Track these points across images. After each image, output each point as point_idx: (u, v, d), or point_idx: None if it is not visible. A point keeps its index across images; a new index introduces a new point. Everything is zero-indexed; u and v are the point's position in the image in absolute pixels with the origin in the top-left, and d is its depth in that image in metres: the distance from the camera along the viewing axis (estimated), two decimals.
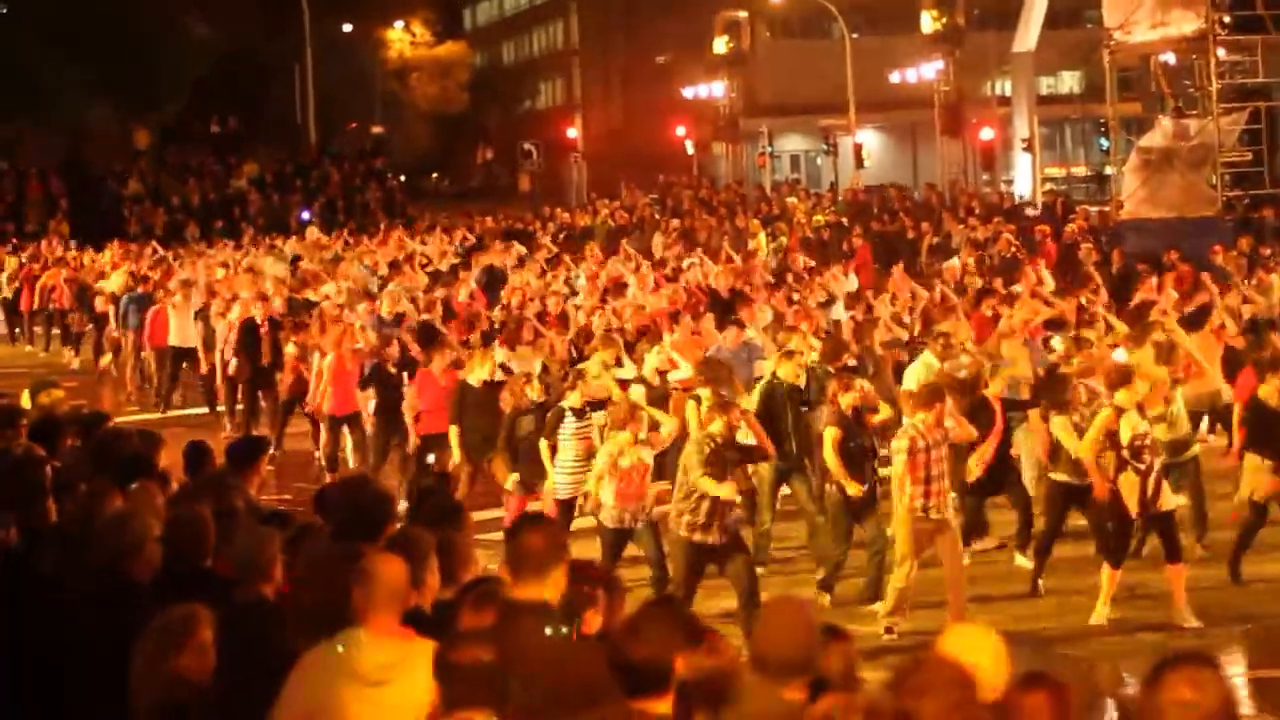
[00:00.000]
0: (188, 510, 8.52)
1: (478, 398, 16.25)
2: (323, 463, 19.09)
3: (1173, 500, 13.39)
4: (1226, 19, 33.26)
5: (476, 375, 16.41)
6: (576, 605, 6.70)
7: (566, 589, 6.70)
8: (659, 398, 16.21)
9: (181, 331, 23.94)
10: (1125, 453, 12.97)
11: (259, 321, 21.71)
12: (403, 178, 61.32)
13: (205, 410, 23.60)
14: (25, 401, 13.14)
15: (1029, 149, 41.34)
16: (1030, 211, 36.83)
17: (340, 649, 6.20)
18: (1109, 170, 41.40)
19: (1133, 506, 13.01)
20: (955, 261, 26.67)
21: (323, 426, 19.25)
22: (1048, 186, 44.98)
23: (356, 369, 18.42)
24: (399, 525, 8.18)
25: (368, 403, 18.36)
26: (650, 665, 5.47)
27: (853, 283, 25.33)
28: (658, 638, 5.51)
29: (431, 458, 16.79)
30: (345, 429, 18.71)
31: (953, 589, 12.93)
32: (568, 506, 14.41)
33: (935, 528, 12.89)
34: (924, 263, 31.22)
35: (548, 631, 6.51)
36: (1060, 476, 14.09)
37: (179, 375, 24.39)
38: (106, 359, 27.86)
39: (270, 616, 7.18)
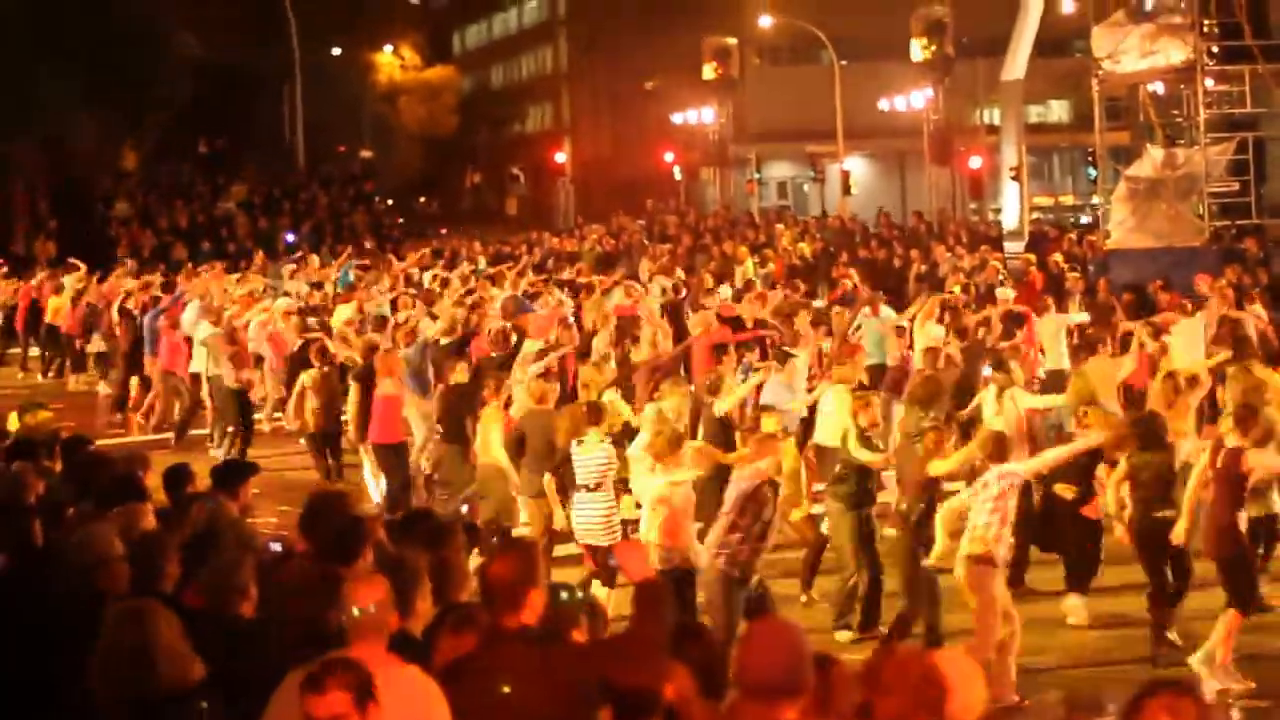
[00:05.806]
0: (147, 535, 8.52)
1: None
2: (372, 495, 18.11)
3: None
4: (1215, 49, 33.25)
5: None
6: (559, 625, 6.68)
7: (547, 609, 6.68)
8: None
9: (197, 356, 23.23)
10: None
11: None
12: (390, 201, 61.24)
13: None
14: (12, 423, 13.12)
15: (1017, 178, 41.29)
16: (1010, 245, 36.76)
17: None
18: (1096, 199, 41.42)
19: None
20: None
21: (365, 453, 18.76)
22: (1035, 215, 45.00)
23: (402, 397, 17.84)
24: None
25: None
26: (641, 691, 5.46)
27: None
28: (650, 664, 5.50)
29: (465, 508, 16.26)
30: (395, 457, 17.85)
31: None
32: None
33: None
34: (911, 291, 31.21)
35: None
36: None
37: (200, 401, 23.40)
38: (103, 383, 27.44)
39: (247, 635, 7.17)
